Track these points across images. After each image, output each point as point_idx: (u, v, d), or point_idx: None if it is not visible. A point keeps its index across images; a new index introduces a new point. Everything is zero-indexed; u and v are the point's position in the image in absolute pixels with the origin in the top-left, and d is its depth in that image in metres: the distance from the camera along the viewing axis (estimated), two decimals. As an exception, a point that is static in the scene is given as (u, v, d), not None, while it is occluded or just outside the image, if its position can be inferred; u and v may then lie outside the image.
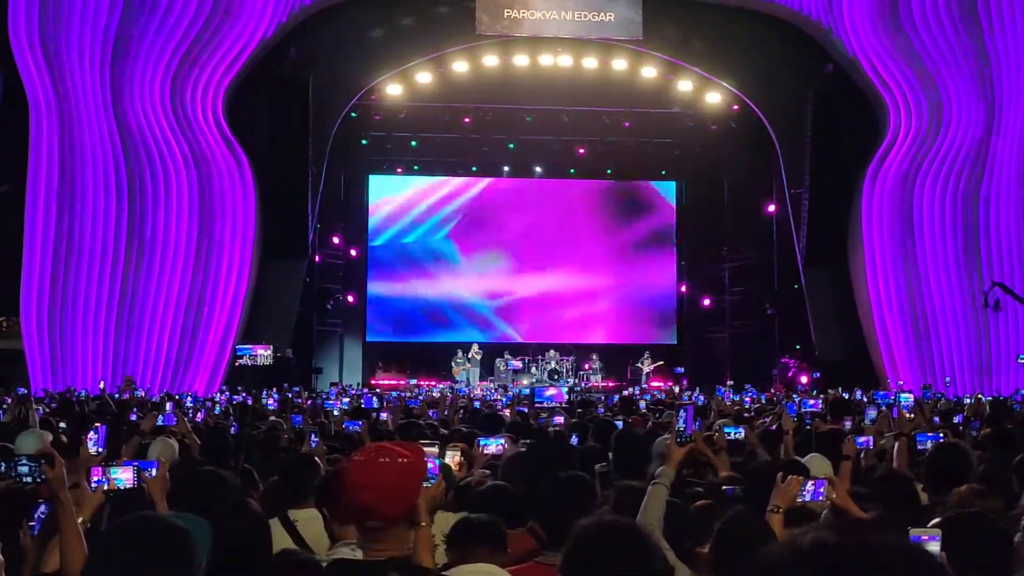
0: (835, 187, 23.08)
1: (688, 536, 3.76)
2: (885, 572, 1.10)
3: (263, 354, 21.35)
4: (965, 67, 21.56)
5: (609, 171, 28.63)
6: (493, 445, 5.70)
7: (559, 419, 8.25)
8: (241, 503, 3.97)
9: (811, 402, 8.51)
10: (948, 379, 20.80)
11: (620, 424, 7.73)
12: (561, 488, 3.89)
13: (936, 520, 3.01)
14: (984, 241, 21.99)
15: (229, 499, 4.18)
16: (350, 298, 27.30)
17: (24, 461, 3.70)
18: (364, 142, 26.54)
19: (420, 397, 16.46)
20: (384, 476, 2.71)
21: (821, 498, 3.80)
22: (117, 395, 15.25)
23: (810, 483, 3.81)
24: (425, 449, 3.62)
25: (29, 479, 3.64)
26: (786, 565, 1.11)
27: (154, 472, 4.13)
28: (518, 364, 25.30)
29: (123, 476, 4.03)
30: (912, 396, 7.90)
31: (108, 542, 2.56)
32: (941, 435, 6.71)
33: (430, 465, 3.58)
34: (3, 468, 3.71)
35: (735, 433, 6.94)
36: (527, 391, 19.09)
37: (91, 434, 5.06)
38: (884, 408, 8.47)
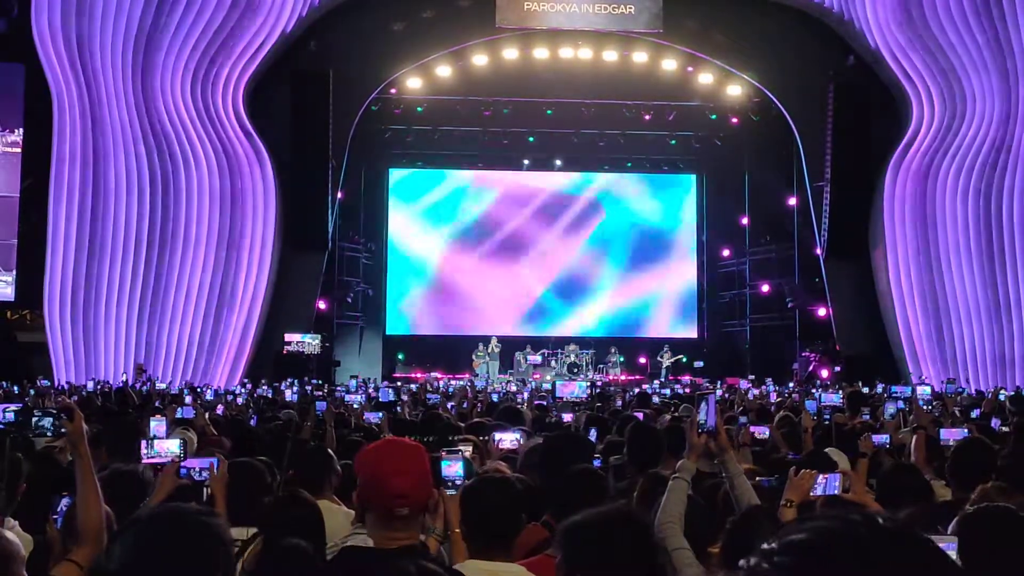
0: (856, 180, 22.91)
1: (701, 533, 3.75)
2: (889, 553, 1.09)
3: (311, 342, 21.79)
4: (991, 60, 21.29)
5: (629, 164, 28.57)
6: (508, 440, 5.68)
7: (567, 416, 8.23)
8: (296, 494, 4.04)
9: (831, 396, 8.46)
10: (967, 376, 20.64)
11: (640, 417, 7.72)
12: (573, 481, 3.89)
13: (962, 514, 2.98)
14: (1008, 236, 21.74)
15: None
16: (370, 291, 27.38)
17: (44, 416, 3.75)
18: (385, 135, 26.59)
19: (440, 391, 16.51)
20: (417, 463, 2.80)
21: (835, 492, 3.78)
22: (131, 383, 15.40)
23: (822, 477, 3.79)
24: (451, 454, 3.66)
25: (50, 432, 3.69)
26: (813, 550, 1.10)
27: (215, 469, 4.12)
28: (537, 359, 25.27)
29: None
30: (931, 389, 7.82)
31: (143, 531, 2.52)
32: (967, 430, 6.65)
33: (459, 469, 3.62)
34: (34, 421, 3.77)
35: (761, 434, 6.94)
36: (547, 385, 19.06)
37: (153, 423, 5.21)
38: (905, 403, 8.40)
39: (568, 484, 3.88)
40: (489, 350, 25.90)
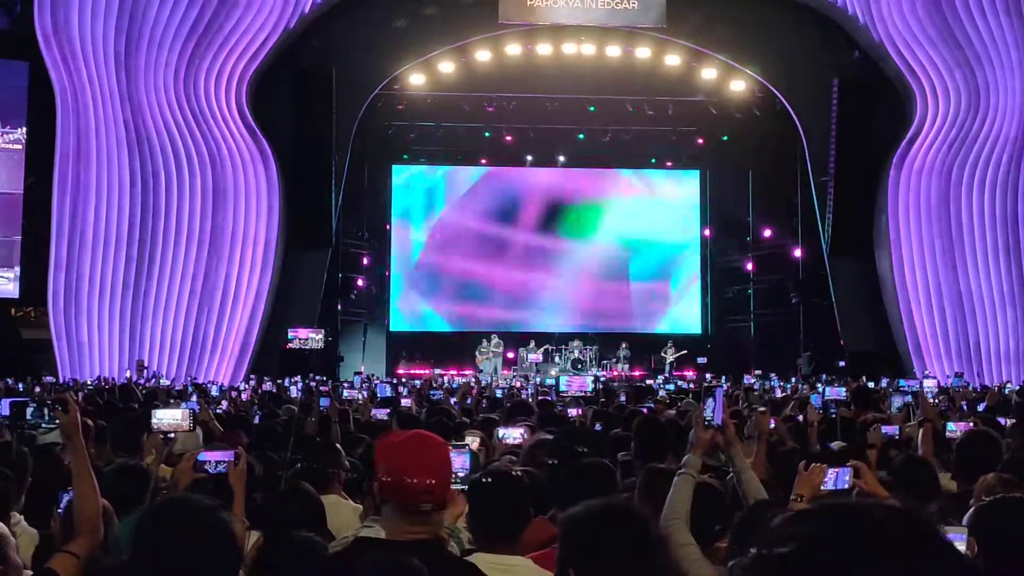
0: (861, 175, 22.87)
1: (707, 529, 3.73)
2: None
3: (314, 338, 21.81)
4: (1004, 54, 21.20)
5: (632, 160, 28.52)
6: (513, 435, 5.66)
7: (574, 411, 8.20)
8: (297, 486, 4.04)
9: (835, 391, 8.42)
10: (979, 371, 20.62)
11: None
12: (581, 475, 3.87)
13: (973, 508, 2.96)
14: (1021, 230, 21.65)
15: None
16: (373, 288, 27.37)
17: (38, 408, 3.76)
18: (388, 132, 26.57)
19: (444, 386, 16.51)
20: (443, 458, 2.82)
21: (845, 486, 3.75)
22: (130, 380, 15.41)
23: (832, 471, 3.76)
24: (457, 447, 3.66)
25: (44, 425, 3.69)
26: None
27: (233, 464, 4.10)
28: (537, 358, 25.22)
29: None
30: (936, 383, 7.80)
31: (149, 521, 2.56)
32: (972, 423, 6.64)
33: (465, 462, 3.62)
34: (29, 412, 3.78)
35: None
36: (551, 380, 19.08)
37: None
38: (912, 397, 8.38)
39: (576, 478, 3.86)
40: (492, 347, 25.89)
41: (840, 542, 1.06)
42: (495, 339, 26.10)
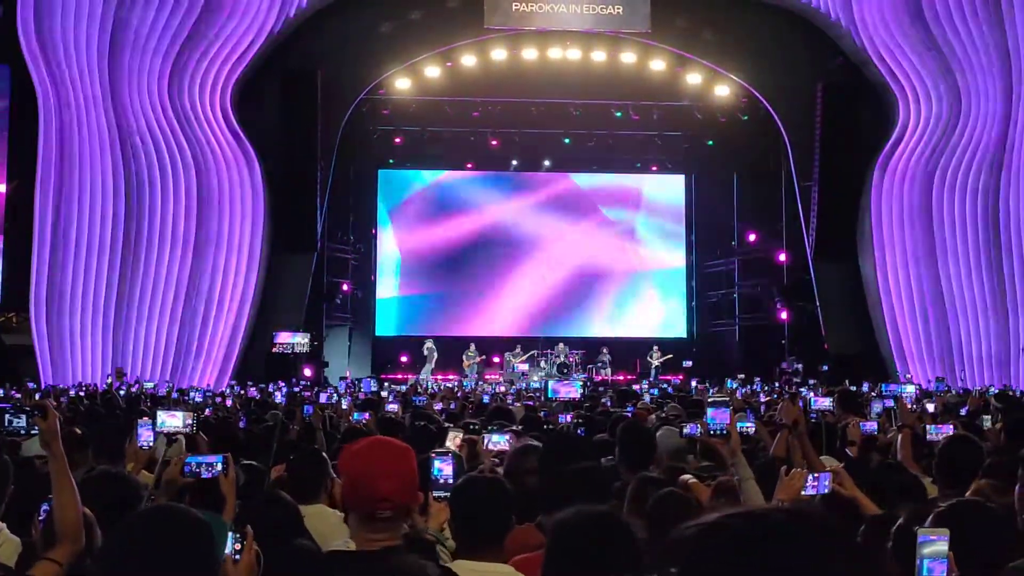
0: (845, 179, 23.01)
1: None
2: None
3: (299, 341, 21.74)
4: (985, 59, 21.34)
5: (617, 164, 28.57)
6: (496, 442, 5.63)
7: (565, 417, 8.20)
8: (274, 494, 4.02)
9: (819, 399, 8.43)
10: (963, 375, 20.69)
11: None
12: (573, 480, 3.87)
13: (936, 510, 2.98)
14: (1004, 233, 21.75)
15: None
16: (359, 293, 27.32)
17: (16, 414, 3.74)
18: (373, 136, 26.55)
19: (428, 391, 16.48)
20: (403, 464, 2.76)
21: (826, 491, 3.77)
22: (110, 387, 15.30)
23: (813, 476, 3.79)
24: (442, 455, 3.66)
25: (23, 432, 3.67)
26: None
27: (219, 467, 4.09)
28: (524, 366, 25.20)
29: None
30: (915, 388, 7.82)
31: (130, 530, 2.56)
32: (952, 427, 6.65)
33: (449, 470, 3.61)
34: (7, 419, 3.77)
35: (746, 427, 6.92)
36: (536, 384, 19.04)
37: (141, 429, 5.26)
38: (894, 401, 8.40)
39: (567, 483, 3.85)
40: (472, 355, 25.93)
41: (730, 554, 1.06)
42: (428, 343, 26.08)
